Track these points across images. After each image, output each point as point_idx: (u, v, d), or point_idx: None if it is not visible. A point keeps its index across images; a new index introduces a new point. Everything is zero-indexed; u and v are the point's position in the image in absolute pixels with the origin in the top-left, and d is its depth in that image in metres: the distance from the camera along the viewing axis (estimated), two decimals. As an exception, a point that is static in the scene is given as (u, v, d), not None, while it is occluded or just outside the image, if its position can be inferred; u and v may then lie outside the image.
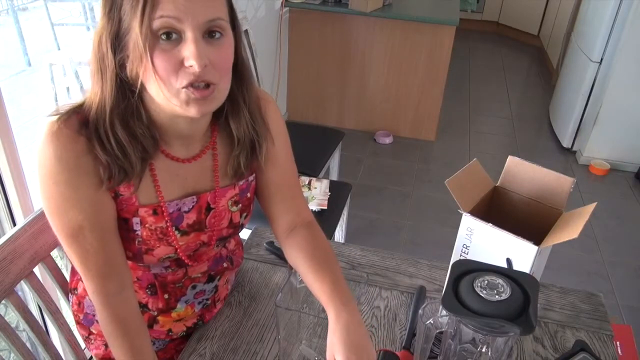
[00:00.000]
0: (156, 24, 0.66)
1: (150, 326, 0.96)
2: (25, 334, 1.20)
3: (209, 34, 0.69)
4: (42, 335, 0.97)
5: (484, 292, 0.74)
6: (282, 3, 3.10)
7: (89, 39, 0.73)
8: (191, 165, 0.85)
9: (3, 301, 0.90)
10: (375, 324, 1.03)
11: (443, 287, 1.11)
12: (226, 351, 0.95)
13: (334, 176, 2.57)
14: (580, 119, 3.37)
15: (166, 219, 0.83)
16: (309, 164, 2.17)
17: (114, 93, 0.71)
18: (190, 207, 0.86)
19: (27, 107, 3.75)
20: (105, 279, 0.81)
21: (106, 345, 0.99)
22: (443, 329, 0.83)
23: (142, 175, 0.78)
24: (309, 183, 1.96)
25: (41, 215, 0.95)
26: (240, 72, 0.80)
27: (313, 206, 1.85)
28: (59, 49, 4.47)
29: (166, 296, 0.94)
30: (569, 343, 1.00)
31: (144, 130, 0.75)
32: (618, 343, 1.13)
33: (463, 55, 5.18)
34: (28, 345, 0.93)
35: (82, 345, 1.06)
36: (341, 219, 2.10)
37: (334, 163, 2.51)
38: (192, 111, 0.71)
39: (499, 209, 1.07)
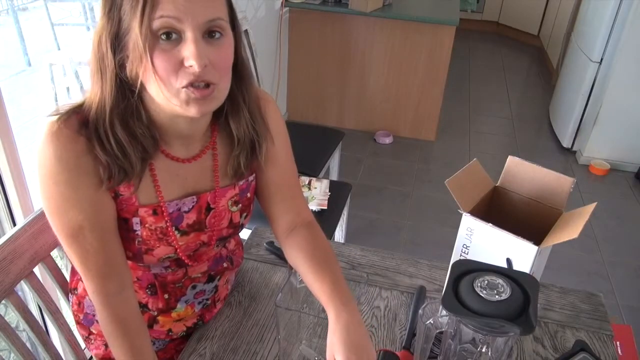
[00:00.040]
0: (156, 24, 0.66)
1: (150, 326, 0.96)
2: (25, 334, 1.20)
3: (209, 34, 0.69)
4: (42, 335, 0.97)
5: (484, 292, 0.74)
6: (282, 3, 3.10)
7: (89, 39, 0.73)
8: (191, 165, 0.85)
9: (3, 301, 0.90)
10: (375, 324, 1.03)
11: (443, 287, 1.11)
12: (226, 351, 0.95)
13: (334, 176, 2.57)
14: (580, 119, 3.37)
15: (166, 219, 0.83)
16: (309, 164, 2.17)
17: (114, 93, 0.71)
18: (190, 207, 0.86)
19: (27, 107, 3.75)
20: (105, 279, 0.81)
21: (106, 345, 0.99)
22: (443, 329, 0.83)
23: (142, 175, 0.78)
24: (309, 183, 1.96)
25: (41, 215, 0.95)
26: (240, 72, 0.80)
27: (313, 206, 1.85)
28: (59, 49, 4.47)
29: (166, 296, 0.94)
30: (569, 343, 1.00)
31: (144, 130, 0.75)
32: (618, 343, 1.13)
33: (463, 55, 5.18)
34: (28, 345, 0.93)
35: (82, 345, 1.06)
36: (341, 219, 2.10)
37: (334, 163, 2.51)
38: (192, 111, 0.71)
39: (499, 209, 1.07)
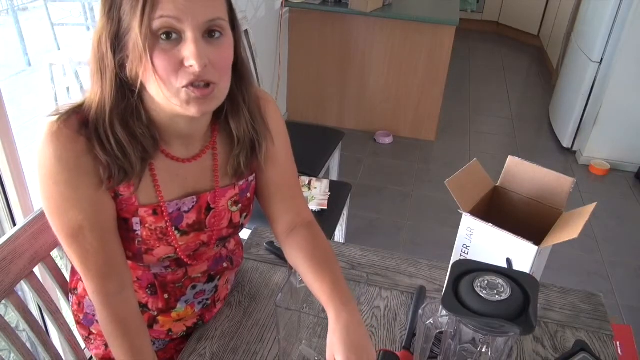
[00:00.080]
0: (156, 24, 0.66)
1: (150, 326, 0.96)
2: (25, 334, 1.20)
3: (209, 33, 0.69)
4: (42, 335, 0.97)
5: (484, 292, 0.74)
6: (282, 3, 3.10)
7: (89, 39, 0.73)
8: (191, 165, 0.85)
9: (3, 301, 0.90)
10: (375, 324, 1.03)
11: (443, 287, 1.11)
12: (226, 351, 0.95)
13: (334, 176, 2.57)
14: (580, 119, 3.37)
15: (166, 219, 0.83)
16: (309, 164, 2.17)
17: (114, 93, 0.71)
18: (190, 207, 0.86)
19: (27, 107, 3.75)
20: (105, 279, 0.81)
21: (106, 345, 0.99)
22: (443, 329, 0.83)
23: (142, 175, 0.78)
24: (309, 183, 1.96)
25: (41, 215, 0.95)
26: (240, 71, 0.80)
27: (313, 206, 1.85)
28: (59, 49, 4.47)
29: (166, 296, 0.94)
30: (569, 343, 1.00)
31: (144, 130, 0.75)
32: (618, 343, 1.13)
33: (463, 55, 5.18)
34: (28, 345, 0.93)
35: (82, 345, 1.06)
36: (341, 219, 2.10)
37: (334, 163, 2.51)
38: (192, 110, 0.71)
39: (499, 209, 1.07)
